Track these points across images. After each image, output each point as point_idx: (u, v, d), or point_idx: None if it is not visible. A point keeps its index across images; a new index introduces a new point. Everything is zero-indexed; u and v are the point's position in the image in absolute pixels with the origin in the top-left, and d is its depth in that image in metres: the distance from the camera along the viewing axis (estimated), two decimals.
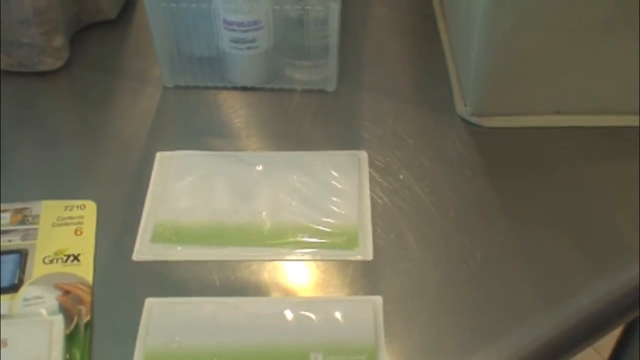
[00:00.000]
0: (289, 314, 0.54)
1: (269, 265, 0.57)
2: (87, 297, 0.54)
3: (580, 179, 0.63)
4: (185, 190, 0.62)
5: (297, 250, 0.58)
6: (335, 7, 0.63)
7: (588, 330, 0.55)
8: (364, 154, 0.64)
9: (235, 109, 0.69)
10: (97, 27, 0.76)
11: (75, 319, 0.53)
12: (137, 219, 0.60)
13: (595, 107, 0.66)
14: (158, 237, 0.59)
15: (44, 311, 0.53)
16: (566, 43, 0.61)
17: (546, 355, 0.53)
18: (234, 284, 0.56)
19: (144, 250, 0.58)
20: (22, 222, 0.59)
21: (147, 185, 0.62)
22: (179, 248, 0.58)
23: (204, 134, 0.67)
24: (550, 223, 0.60)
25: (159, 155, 0.65)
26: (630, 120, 0.66)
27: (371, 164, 0.64)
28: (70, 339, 0.52)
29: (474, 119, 0.67)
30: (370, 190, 0.62)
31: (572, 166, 0.64)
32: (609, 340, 1.00)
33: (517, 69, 0.62)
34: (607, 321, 0.56)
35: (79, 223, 0.59)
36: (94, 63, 0.74)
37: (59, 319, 0.53)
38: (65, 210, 0.60)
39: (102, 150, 0.66)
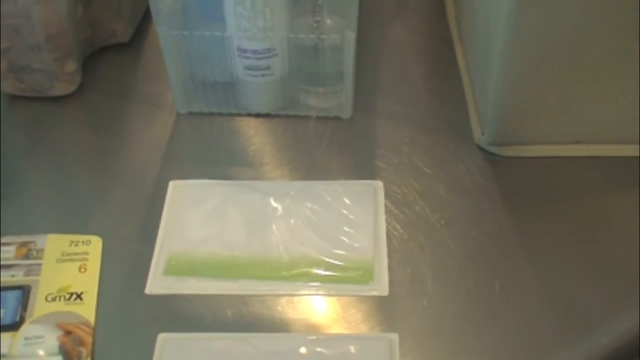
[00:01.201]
0: (303, 351, 0.53)
1: (283, 300, 0.56)
2: (88, 339, 0.53)
3: (600, 210, 0.62)
4: (198, 221, 0.61)
5: (311, 284, 0.57)
6: (351, 36, 0.62)
7: None
8: (379, 184, 0.63)
9: (249, 136, 0.68)
10: (110, 50, 0.76)
11: None
12: (150, 249, 0.59)
13: (616, 137, 0.64)
14: (171, 269, 0.58)
15: (42, 352, 0.52)
16: (586, 73, 0.60)
17: None
18: (247, 318, 0.55)
19: (157, 283, 0.57)
20: (27, 257, 0.58)
21: (159, 215, 0.61)
22: (192, 281, 0.57)
23: (217, 161, 0.66)
24: (570, 255, 0.59)
25: (171, 184, 0.64)
26: None
27: (387, 195, 0.63)
28: None
29: (492, 148, 0.66)
30: (386, 222, 0.61)
31: (592, 196, 0.63)
32: None
33: (536, 98, 0.61)
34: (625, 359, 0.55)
35: (84, 259, 0.58)
36: (107, 87, 0.73)
37: None
38: (70, 245, 0.59)
39: (114, 179, 0.65)
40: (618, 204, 0.62)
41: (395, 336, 0.54)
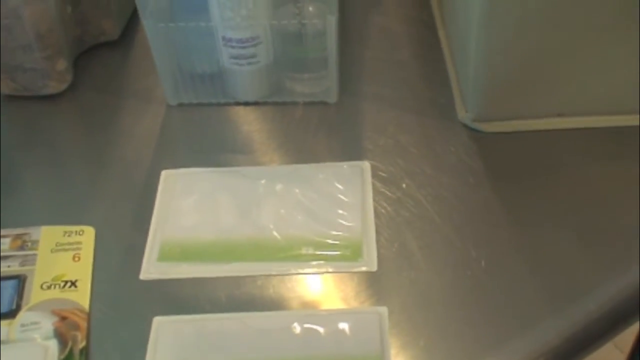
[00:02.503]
0: (296, 328, 0.55)
1: (275, 280, 0.58)
2: (83, 323, 0.55)
3: (584, 181, 0.63)
4: (190, 208, 0.62)
5: (301, 264, 0.58)
6: (332, 20, 0.64)
7: (595, 334, 0.55)
8: (366, 165, 0.65)
9: (238, 124, 0.70)
10: (100, 48, 0.77)
11: (70, 343, 0.53)
12: (144, 237, 0.61)
13: (597, 108, 0.65)
14: (165, 255, 0.59)
15: (38, 337, 0.54)
16: (564, 46, 0.61)
17: None
18: (240, 299, 0.57)
19: (151, 269, 0.59)
20: (22, 248, 0.60)
21: (152, 204, 0.63)
22: (185, 266, 0.59)
23: (208, 150, 0.67)
24: (555, 226, 0.60)
25: (164, 173, 0.65)
26: (633, 120, 0.65)
27: (374, 174, 0.64)
28: None
29: (476, 125, 0.67)
30: (374, 200, 0.62)
31: (575, 168, 0.64)
32: (630, 335, 1.00)
33: (516, 73, 0.62)
34: (613, 324, 0.55)
35: (77, 249, 0.59)
36: (98, 84, 0.75)
37: (53, 343, 0.53)
38: (64, 235, 0.60)
39: (107, 171, 0.66)
40: (600, 174, 0.63)
41: (384, 309, 0.55)
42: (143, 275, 0.58)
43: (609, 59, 0.62)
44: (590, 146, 0.65)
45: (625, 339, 0.87)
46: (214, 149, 0.68)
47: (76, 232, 0.60)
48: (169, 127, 0.70)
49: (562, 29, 0.59)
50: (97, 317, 0.56)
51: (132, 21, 0.80)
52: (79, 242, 0.60)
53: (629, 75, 0.63)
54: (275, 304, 0.56)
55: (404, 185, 0.63)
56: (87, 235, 0.60)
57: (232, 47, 0.66)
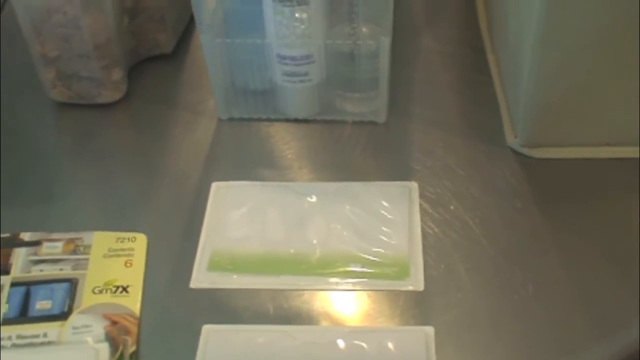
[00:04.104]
0: (341, 343, 0.55)
1: (321, 295, 0.58)
2: (133, 329, 0.56)
3: (630, 211, 0.63)
4: (240, 220, 0.63)
5: (348, 280, 0.59)
6: (386, 42, 0.65)
7: None
8: (414, 185, 0.65)
9: (287, 140, 0.71)
10: (154, 60, 0.79)
11: (120, 348, 0.54)
12: (194, 247, 0.62)
13: None
14: (214, 265, 0.60)
15: (90, 339, 0.55)
16: (614, 76, 0.61)
17: None
18: (287, 312, 0.58)
19: (201, 278, 0.60)
20: (74, 252, 0.61)
21: (202, 215, 0.64)
22: (235, 276, 0.60)
23: (257, 164, 0.69)
24: (601, 254, 0.60)
25: (214, 185, 0.66)
26: None
27: (421, 195, 0.65)
28: None
29: (524, 150, 0.67)
30: (421, 221, 0.63)
31: (622, 198, 0.64)
32: None
33: (566, 101, 0.63)
34: None
35: (129, 255, 0.61)
36: (151, 95, 0.76)
37: (105, 347, 0.54)
38: (116, 241, 0.61)
39: (158, 180, 0.68)
40: None
41: (430, 329, 0.56)
42: (193, 284, 0.59)
43: None
44: (637, 176, 0.65)
45: None
46: (263, 163, 0.69)
47: (128, 238, 0.61)
48: (219, 140, 0.71)
49: (612, 58, 0.60)
50: (147, 322, 0.57)
51: (185, 36, 0.81)
52: (131, 249, 0.61)
53: None
54: (321, 319, 0.57)
55: (451, 207, 0.64)
56: (139, 242, 0.61)
57: (286, 64, 0.67)
